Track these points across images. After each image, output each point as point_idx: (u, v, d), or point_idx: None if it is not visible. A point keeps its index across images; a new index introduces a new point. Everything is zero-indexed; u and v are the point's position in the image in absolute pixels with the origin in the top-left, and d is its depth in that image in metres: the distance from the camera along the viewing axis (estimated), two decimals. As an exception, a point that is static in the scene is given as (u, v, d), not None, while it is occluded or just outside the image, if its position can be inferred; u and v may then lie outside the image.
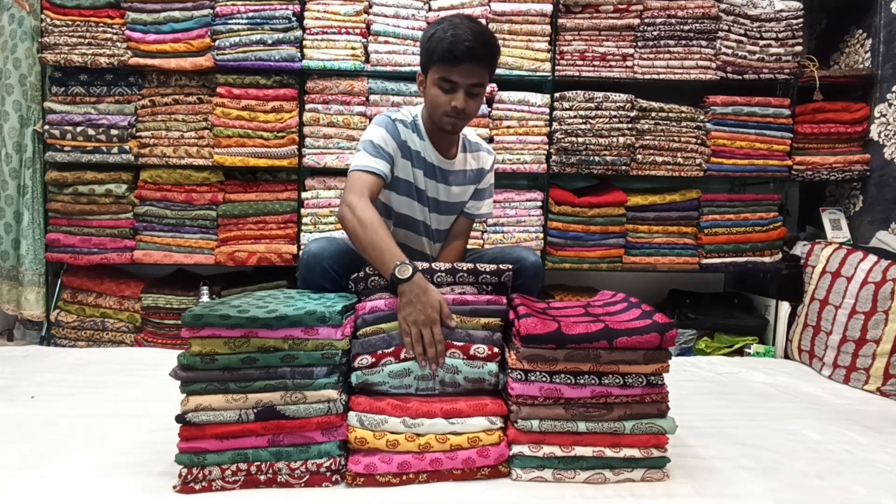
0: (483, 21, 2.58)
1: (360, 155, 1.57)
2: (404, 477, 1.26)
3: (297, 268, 1.58)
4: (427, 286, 1.33)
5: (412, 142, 1.66)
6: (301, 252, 1.58)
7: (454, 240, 1.81)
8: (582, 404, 1.28)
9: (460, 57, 1.47)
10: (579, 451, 1.28)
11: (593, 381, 1.28)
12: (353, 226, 1.43)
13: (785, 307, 2.64)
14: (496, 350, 1.34)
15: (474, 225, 2.59)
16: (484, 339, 1.35)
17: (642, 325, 1.28)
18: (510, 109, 2.62)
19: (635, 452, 1.28)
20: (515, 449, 1.28)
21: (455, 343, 1.33)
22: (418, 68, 2.56)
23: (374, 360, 1.30)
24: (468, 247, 1.90)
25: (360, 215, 1.43)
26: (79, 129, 2.55)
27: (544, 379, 1.28)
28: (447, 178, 1.73)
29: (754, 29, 2.65)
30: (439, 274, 1.39)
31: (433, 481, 1.27)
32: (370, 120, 2.59)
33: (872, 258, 2.27)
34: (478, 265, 1.40)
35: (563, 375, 1.28)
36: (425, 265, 1.39)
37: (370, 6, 2.60)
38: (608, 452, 1.27)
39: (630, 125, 2.62)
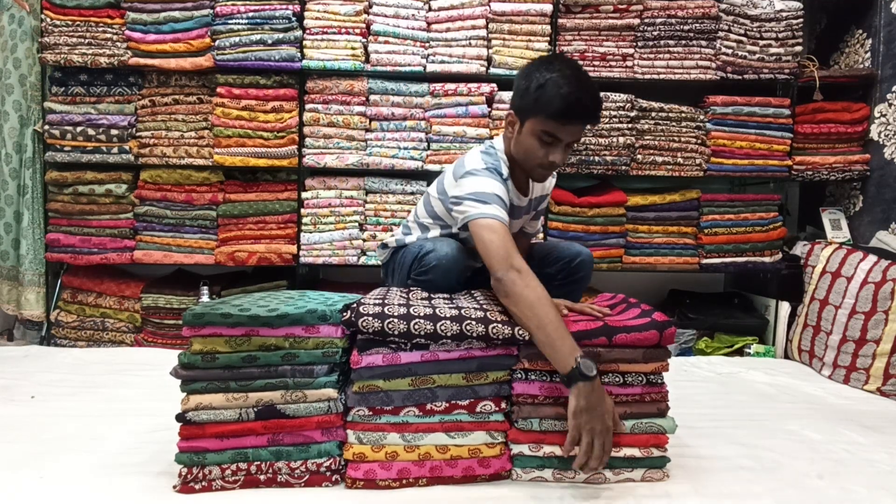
0: (483, 21, 2.58)
1: (492, 207, 1.42)
2: (404, 481, 1.26)
3: (427, 269, 1.52)
4: (604, 392, 1.23)
5: (513, 194, 1.61)
6: (427, 255, 1.53)
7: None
8: None
9: (575, 118, 1.42)
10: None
11: None
12: (528, 298, 1.27)
13: (785, 307, 2.64)
14: (504, 405, 1.30)
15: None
16: (491, 393, 1.29)
17: (641, 323, 1.29)
18: (510, 109, 2.62)
19: (635, 452, 1.28)
20: (516, 449, 1.28)
21: (460, 403, 1.28)
22: (419, 68, 2.60)
23: (371, 413, 1.27)
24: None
25: (535, 286, 1.29)
26: (79, 129, 2.55)
27: (545, 378, 1.28)
28: (518, 214, 1.71)
29: (754, 29, 2.65)
30: (443, 322, 1.26)
31: (433, 485, 1.27)
32: (371, 120, 2.60)
33: (872, 258, 2.27)
34: (490, 329, 1.26)
35: (563, 375, 1.28)
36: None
37: (370, 6, 2.60)
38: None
39: (630, 125, 2.62)
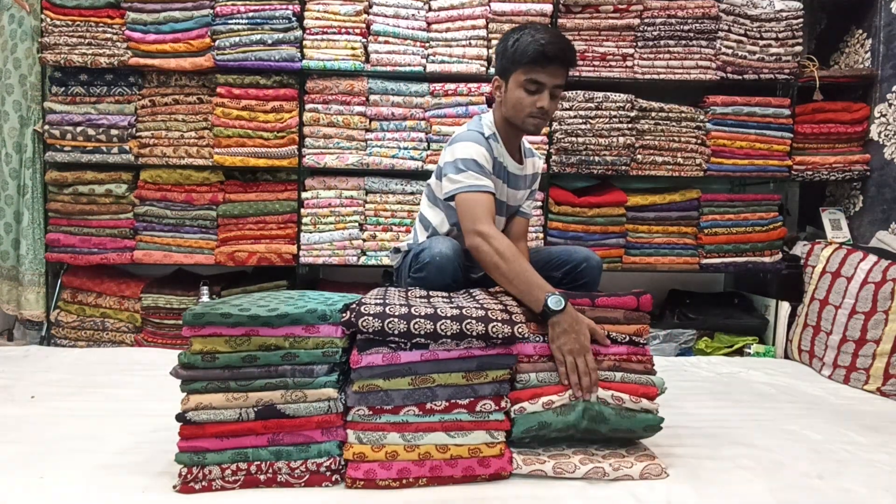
0: (483, 21, 2.58)
1: (467, 175, 1.55)
2: (404, 481, 1.26)
3: (422, 267, 1.57)
4: (578, 315, 1.34)
5: (498, 154, 1.69)
6: (421, 253, 1.57)
7: (518, 241, 1.84)
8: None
9: (551, 58, 1.52)
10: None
11: None
12: (492, 258, 1.43)
13: (785, 307, 2.64)
14: (504, 403, 1.31)
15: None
16: (491, 392, 1.30)
17: (620, 294, 1.45)
18: (510, 109, 2.63)
19: (625, 397, 1.32)
20: (516, 406, 1.30)
21: (460, 402, 1.29)
22: (419, 68, 2.61)
23: (371, 412, 1.27)
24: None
25: (498, 246, 1.44)
26: (79, 129, 2.56)
27: (538, 339, 1.35)
28: (516, 183, 1.78)
29: (754, 29, 2.65)
30: (443, 321, 1.26)
31: (433, 485, 1.27)
32: (371, 120, 2.61)
33: (872, 258, 2.27)
34: (490, 328, 1.27)
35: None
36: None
37: (370, 6, 2.60)
38: (601, 393, 1.31)
39: (630, 125, 2.62)
